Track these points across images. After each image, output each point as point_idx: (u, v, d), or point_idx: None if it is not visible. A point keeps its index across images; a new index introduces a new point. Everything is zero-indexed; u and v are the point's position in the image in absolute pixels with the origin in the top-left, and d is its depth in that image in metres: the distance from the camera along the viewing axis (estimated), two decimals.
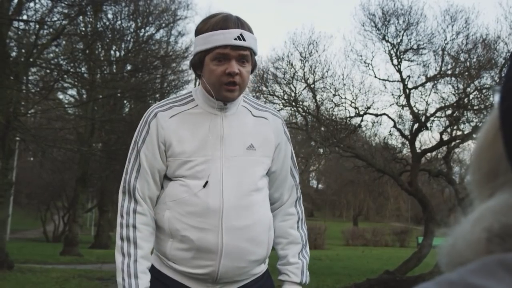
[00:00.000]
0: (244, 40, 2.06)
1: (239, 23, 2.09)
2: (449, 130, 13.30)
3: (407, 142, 13.68)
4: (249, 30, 2.12)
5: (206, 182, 2.08)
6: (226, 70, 2.06)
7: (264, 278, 2.26)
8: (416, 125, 12.98)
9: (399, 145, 14.99)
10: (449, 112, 12.88)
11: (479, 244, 0.48)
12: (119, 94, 20.83)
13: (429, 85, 13.08)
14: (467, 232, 0.50)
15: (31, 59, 13.29)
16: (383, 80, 13.55)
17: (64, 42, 16.25)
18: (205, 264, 2.07)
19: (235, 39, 2.05)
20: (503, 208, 0.49)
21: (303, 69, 13.63)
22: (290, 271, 2.28)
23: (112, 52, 23.88)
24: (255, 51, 2.14)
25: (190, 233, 2.06)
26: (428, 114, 12.89)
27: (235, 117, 2.19)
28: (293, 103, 13.88)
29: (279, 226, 2.29)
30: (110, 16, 20.41)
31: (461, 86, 12.56)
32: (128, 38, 23.45)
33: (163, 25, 26.77)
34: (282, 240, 2.31)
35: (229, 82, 2.07)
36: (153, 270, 2.19)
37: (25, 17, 14.40)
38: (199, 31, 2.13)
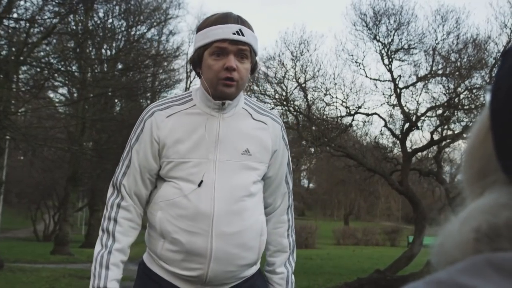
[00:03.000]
0: (243, 35, 2.03)
1: (239, 20, 2.08)
2: (439, 129, 13.36)
3: (398, 142, 13.72)
4: (249, 27, 2.09)
5: (199, 184, 2.06)
6: (224, 65, 2.02)
7: (254, 277, 2.24)
8: (407, 125, 13.02)
9: (390, 145, 15.02)
10: (439, 111, 12.93)
11: (467, 243, 0.49)
12: (110, 93, 20.75)
13: (420, 84, 13.13)
14: (456, 231, 0.50)
15: (21, 58, 13.22)
16: (374, 79, 13.59)
17: (55, 40, 16.17)
18: (194, 267, 2.06)
19: (234, 33, 2.02)
20: (492, 208, 0.49)
21: (294, 69, 13.65)
22: (275, 282, 2.30)
23: (103, 50, 23.81)
24: (255, 49, 2.10)
25: (181, 236, 2.05)
26: (419, 114, 12.93)
27: (233, 119, 2.15)
28: (284, 103, 13.87)
29: (270, 233, 2.28)
30: (101, 14, 20.38)
31: (451, 86, 12.62)
32: (119, 37, 23.41)
33: (155, 24, 26.72)
34: (270, 247, 2.31)
35: (226, 77, 2.03)
36: (144, 268, 2.20)
37: (15, 15, 14.34)
38: (199, 28, 2.11)
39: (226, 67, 2.02)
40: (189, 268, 2.07)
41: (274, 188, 2.29)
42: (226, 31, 2.02)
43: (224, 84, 2.04)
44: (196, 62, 2.12)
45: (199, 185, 2.06)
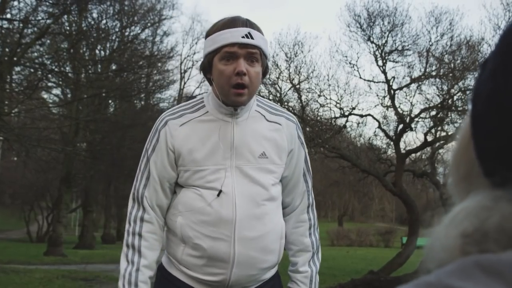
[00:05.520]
0: (252, 38, 2.01)
1: (247, 23, 2.06)
2: (433, 131, 13.40)
3: (391, 143, 13.75)
4: (259, 30, 2.07)
5: (219, 192, 2.06)
6: (235, 69, 1.99)
7: (273, 280, 2.25)
8: (400, 126, 13.04)
9: (384, 146, 15.06)
10: (433, 113, 12.96)
11: (454, 245, 0.49)
12: (104, 94, 20.75)
13: (413, 86, 13.15)
14: (443, 234, 0.51)
15: (15, 58, 13.19)
16: (368, 81, 13.62)
17: (48, 41, 16.15)
18: (217, 272, 2.07)
19: (243, 37, 2.00)
20: (476, 209, 0.50)
21: (289, 70, 13.65)
22: (299, 280, 2.28)
23: (97, 51, 23.79)
24: (265, 52, 2.08)
25: (203, 241, 2.05)
26: (412, 115, 12.96)
27: (247, 124, 2.14)
28: (278, 104, 13.88)
29: (291, 233, 2.28)
30: (95, 15, 20.35)
31: (445, 87, 12.65)
32: (113, 38, 23.37)
33: (149, 24, 26.69)
34: (293, 247, 2.30)
35: (237, 84, 2.01)
36: (164, 272, 2.21)
37: (9, 15, 14.30)
38: (208, 34, 2.09)
39: (237, 71, 1.99)
40: (211, 273, 2.08)
41: (291, 187, 2.27)
42: (235, 34, 2.00)
43: (235, 94, 2.03)
44: (207, 68, 2.10)
45: (220, 191, 2.06)
